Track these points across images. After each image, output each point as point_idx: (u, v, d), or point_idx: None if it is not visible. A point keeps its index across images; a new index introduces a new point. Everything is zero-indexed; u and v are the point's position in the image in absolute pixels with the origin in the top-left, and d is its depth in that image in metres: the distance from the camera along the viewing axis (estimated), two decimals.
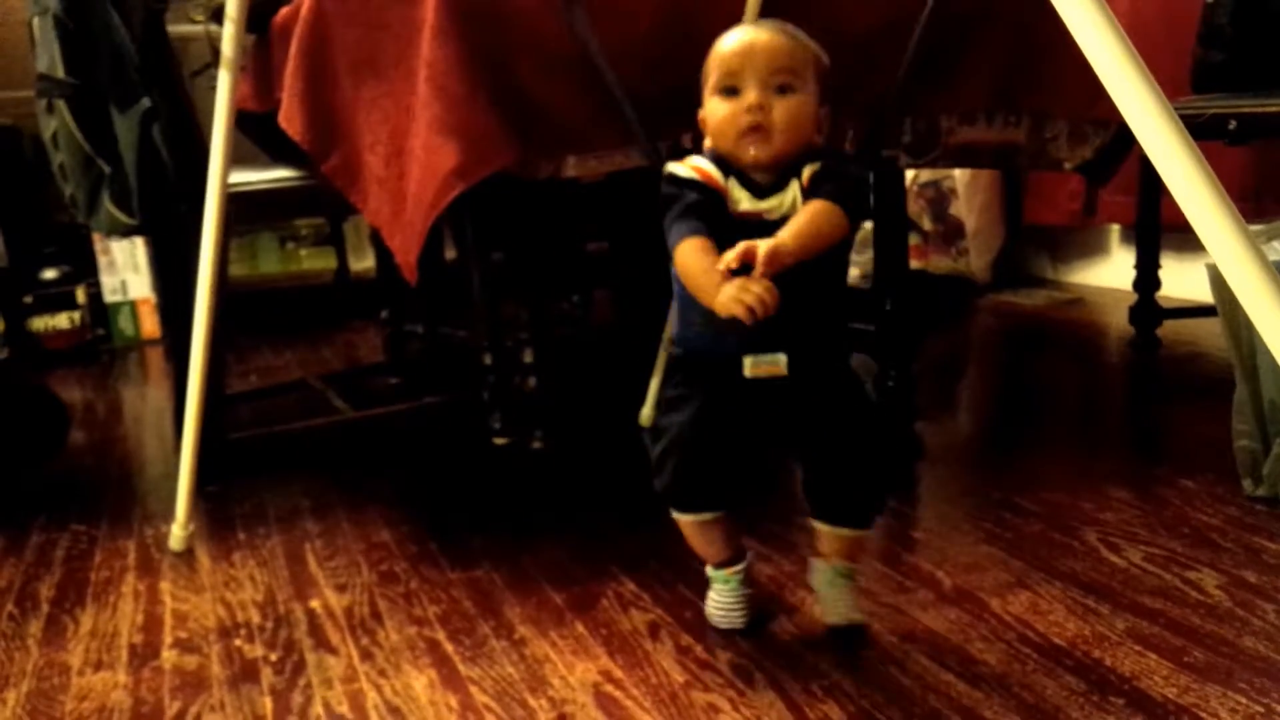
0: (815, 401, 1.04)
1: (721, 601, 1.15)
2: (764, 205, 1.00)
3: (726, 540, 1.14)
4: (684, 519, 1.11)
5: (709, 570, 1.16)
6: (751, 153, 1.00)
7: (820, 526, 1.11)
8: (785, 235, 0.94)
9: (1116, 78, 0.70)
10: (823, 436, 1.06)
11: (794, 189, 1.00)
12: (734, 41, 1.02)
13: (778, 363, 0.99)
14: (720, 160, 1.02)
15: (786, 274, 0.93)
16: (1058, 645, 1.06)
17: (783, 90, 1.00)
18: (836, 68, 1.55)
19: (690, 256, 0.98)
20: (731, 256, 0.93)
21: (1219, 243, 0.69)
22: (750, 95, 0.99)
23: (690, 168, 1.02)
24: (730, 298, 0.92)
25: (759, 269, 0.91)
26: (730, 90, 1.01)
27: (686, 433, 1.05)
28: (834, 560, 1.12)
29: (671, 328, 1.08)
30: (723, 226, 0.99)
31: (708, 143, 1.05)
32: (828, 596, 1.13)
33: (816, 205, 0.97)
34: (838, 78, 1.56)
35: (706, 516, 1.11)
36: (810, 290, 0.97)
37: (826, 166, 1.00)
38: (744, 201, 1.01)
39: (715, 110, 1.02)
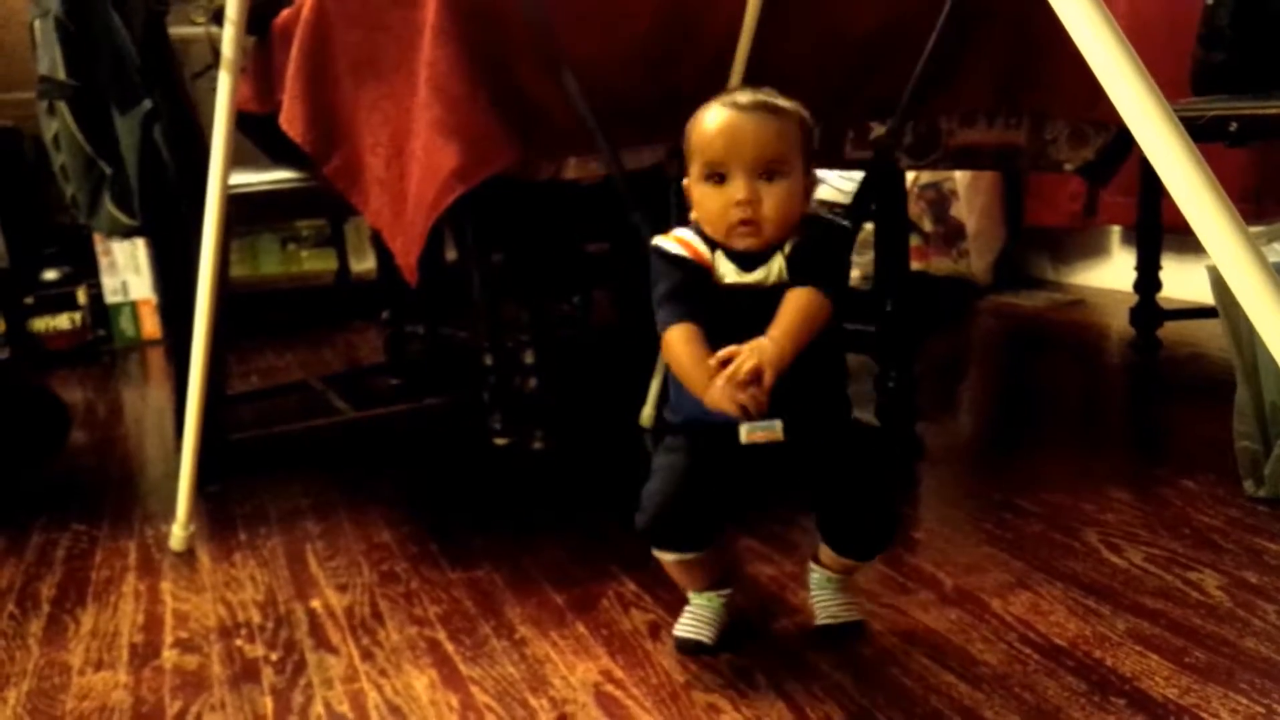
0: (814, 462, 1.04)
1: (696, 613, 1.12)
2: (750, 278, 1.00)
3: (706, 574, 1.12)
4: (663, 559, 1.09)
5: (690, 593, 1.14)
6: (744, 244, 0.99)
7: (824, 546, 1.12)
8: (779, 338, 0.94)
9: (1115, 79, 0.70)
10: (826, 492, 1.07)
11: (778, 260, 0.99)
12: (717, 124, 0.99)
13: (774, 429, 0.98)
14: (703, 233, 1.02)
15: None
16: (1059, 646, 1.06)
17: (771, 177, 0.98)
18: (836, 69, 1.56)
19: (680, 346, 0.98)
20: (736, 372, 0.92)
21: (1219, 244, 0.69)
22: (739, 189, 0.97)
23: (677, 242, 1.02)
24: (723, 396, 0.92)
25: (766, 383, 0.91)
26: (717, 177, 0.99)
27: (674, 479, 1.04)
28: (830, 571, 1.14)
29: (670, 397, 1.07)
30: (711, 300, 0.99)
31: (694, 214, 1.03)
32: (819, 597, 1.15)
33: (801, 297, 0.96)
34: (838, 79, 1.57)
35: (686, 557, 1.09)
36: (804, 356, 0.96)
37: (806, 241, 0.99)
38: (730, 274, 1.00)
39: (703, 199, 1.00)
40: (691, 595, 1.14)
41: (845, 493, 1.06)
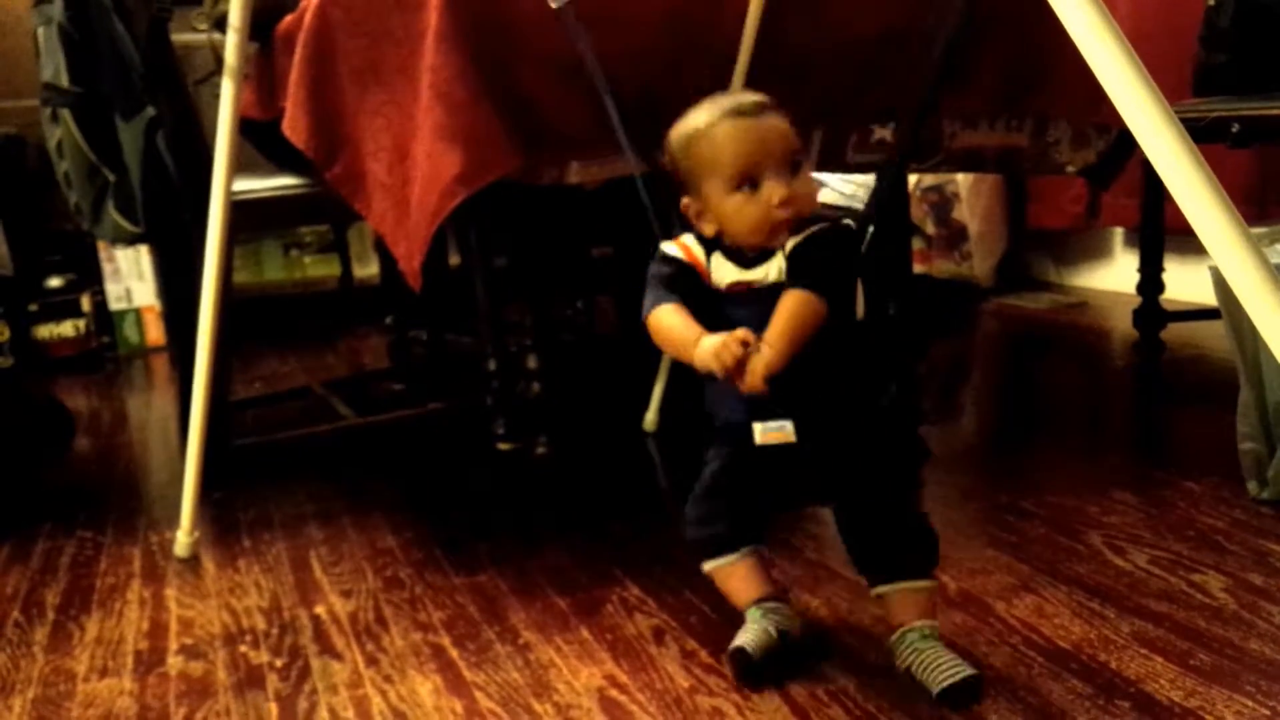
0: (831, 467, 1.02)
1: (747, 628, 1.07)
2: (751, 275, 0.99)
3: (752, 585, 1.09)
4: (707, 567, 1.10)
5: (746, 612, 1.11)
6: (781, 240, 0.98)
7: (883, 590, 1.03)
8: (772, 341, 0.93)
9: (1117, 81, 0.70)
10: (848, 496, 1.04)
11: (779, 258, 0.98)
12: (740, 132, 0.97)
13: (785, 430, 0.98)
14: (704, 237, 1.02)
15: None
16: (1063, 649, 1.06)
17: (795, 169, 0.98)
18: (839, 73, 1.56)
19: (664, 320, 0.99)
20: (729, 357, 0.92)
21: (1221, 246, 0.69)
22: (778, 187, 0.96)
23: (676, 244, 1.03)
24: (709, 353, 0.93)
25: (755, 386, 0.92)
26: (750, 183, 0.97)
27: (706, 485, 1.07)
28: (911, 621, 1.01)
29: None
30: (703, 299, 1.00)
31: (709, 230, 1.01)
32: (925, 660, 0.99)
33: (794, 300, 0.95)
34: (842, 83, 1.57)
35: (723, 562, 1.08)
36: (810, 356, 0.95)
37: (808, 241, 0.98)
38: (730, 274, 1.00)
39: (740, 209, 0.98)
40: (747, 615, 1.09)
41: (866, 495, 1.03)
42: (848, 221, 1.02)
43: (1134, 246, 2.60)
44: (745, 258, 1.00)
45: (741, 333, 0.93)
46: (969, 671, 0.97)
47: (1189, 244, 2.07)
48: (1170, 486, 1.47)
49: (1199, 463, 1.54)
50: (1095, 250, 2.99)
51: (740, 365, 0.93)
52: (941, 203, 3.00)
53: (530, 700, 1.04)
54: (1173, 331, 2.20)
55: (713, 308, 0.99)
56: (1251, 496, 1.39)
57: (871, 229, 1.04)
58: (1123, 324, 2.35)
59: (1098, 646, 1.06)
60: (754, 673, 1.04)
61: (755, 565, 1.09)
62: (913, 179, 2.91)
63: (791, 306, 0.95)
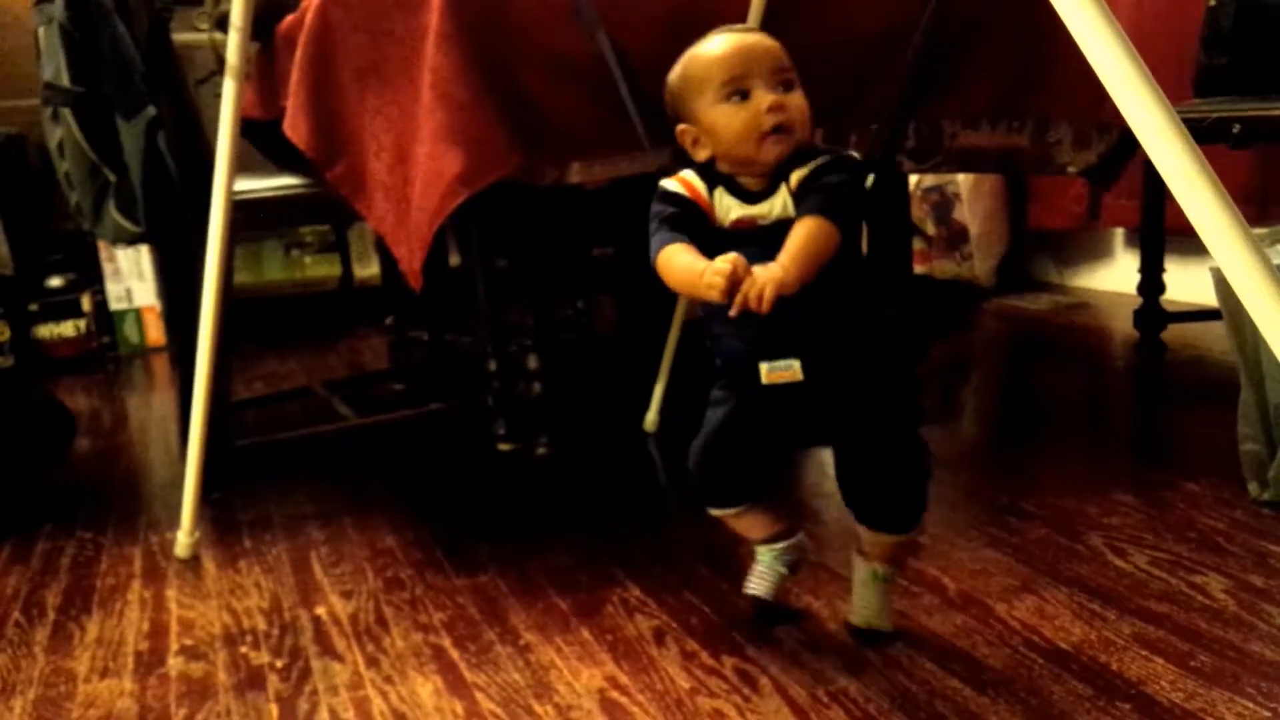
0: (838, 405, 1.02)
1: (755, 569, 1.17)
2: (756, 210, 0.98)
3: (762, 525, 1.15)
4: (714, 513, 1.14)
5: (756, 550, 1.18)
6: (775, 153, 0.97)
7: (860, 529, 1.10)
8: (785, 263, 0.91)
9: (1119, 81, 0.70)
10: (849, 441, 1.05)
11: (784, 193, 0.97)
12: (728, 44, 0.99)
13: (792, 368, 0.98)
14: (705, 171, 1.01)
15: None
16: (1064, 650, 1.06)
17: (787, 87, 0.98)
18: (840, 73, 1.56)
19: (672, 258, 0.96)
20: (726, 269, 0.89)
21: (1223, 247, 0.69)
22: (767, 95, 0.96)
23: (677, 181, 1.01)
24: (710, 283, 0.90)
25: (763, 306, 0.89)
26: (740, 94, 0.97)
27: (714, 434, 1.08)
28: (872, 560, 1.11)
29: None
30: (708, 237, 0.98)
31: (702, 155, 1.01)
32: (858, 595, 1.12)
33: (807, 225, 0.93)
34: (842, 83, 1.57)
35: (730, 511, 1.13)
36: (816, 292, 0.94)
37: (815, 172, 0.96)
38: (734, 209, 0.99)
39: (729, 120, 0.97)
40: (757, 553, 1.17)
41: (867, 442, 1.04)
42: (853, 154, 1.01)
43: (1135, 247, 2.60)
44: (749, 192, 0.99)
45: (732, 257, 0.90)
46: (879, 624, 1.11)
47: (1190, 245, 2.08)
48: (1171, 487, 1.47)
49: (1200, 463, 1.54)
50: (1096, 251, 2.99)
51: (736, 287, 0.89)
52: (942, 203, 3.00)
53: (531, 701, 1.04)
54: (1173, 332, 2.20)
55: (718, 246, 0.96)
56: (1252, 498, 1.39)
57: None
58: (1123, 325, 2.35)
59: (1098, 648, 1.06)
60: (772, 615, 1.15)
61: (764, 508, 1.14)
62: (913, 179, 2.91)
63: (805, 230, 0.93)
